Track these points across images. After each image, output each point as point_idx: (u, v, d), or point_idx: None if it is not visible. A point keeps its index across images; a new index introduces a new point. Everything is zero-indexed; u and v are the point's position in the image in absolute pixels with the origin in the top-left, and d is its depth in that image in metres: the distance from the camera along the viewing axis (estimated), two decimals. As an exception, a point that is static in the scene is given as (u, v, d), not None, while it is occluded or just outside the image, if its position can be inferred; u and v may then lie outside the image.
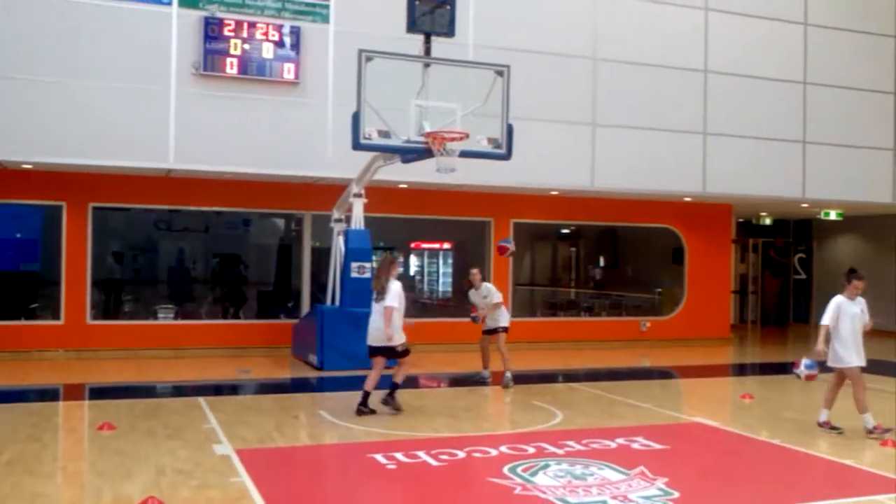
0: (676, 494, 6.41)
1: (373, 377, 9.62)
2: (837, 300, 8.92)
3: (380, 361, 9.72)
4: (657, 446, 8.09)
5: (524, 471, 7.01)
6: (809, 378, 9.14)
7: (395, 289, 9.53)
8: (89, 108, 12.46)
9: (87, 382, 11.86)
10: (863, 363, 8.84)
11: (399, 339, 9.68)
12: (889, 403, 11.46)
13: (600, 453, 7.71)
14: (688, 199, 17.34)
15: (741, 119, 16.38)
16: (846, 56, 17.31)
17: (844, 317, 8.80)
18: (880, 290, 21.12)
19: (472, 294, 12.31)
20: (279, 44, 13.31)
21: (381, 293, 9.51)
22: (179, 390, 11.58)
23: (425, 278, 22.37)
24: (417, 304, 21.05)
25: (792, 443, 8.45)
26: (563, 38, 15.14)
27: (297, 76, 13.39)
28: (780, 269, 23.70)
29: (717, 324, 18.46)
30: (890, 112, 17.69)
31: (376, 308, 9.57)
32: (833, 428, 8.85)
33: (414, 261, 22.96)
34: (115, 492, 6.31)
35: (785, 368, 15.40)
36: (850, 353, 8.78)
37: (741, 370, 15.59)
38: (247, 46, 13.14)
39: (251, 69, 13.18)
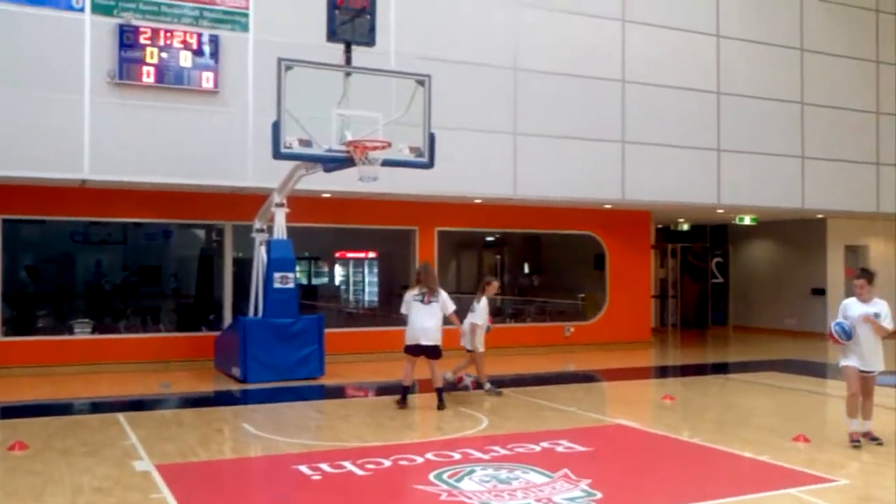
0: (599, 495, 6.51)
1: (410, 371, 10.85)
2: (844, 301, 8.62)
3: (419, 360, 10.73)
4: (581, 448, 8.21)
5: (450, 477, 7.03)
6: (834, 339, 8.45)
7: (444, 296, 10.76)
8: (0, 118, 12.05)
9: (-2, 401, 11.44)
10: (859, 366, 8.35)
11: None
12: (804, 400, 11.88)
13: (525, 457, 7.79)
14: (608, 206, 17.67)
15: (658, 128, 16.78)
16: (757, 67, 17.90)
17: (849, 318, 8.39)
18: (792, 292, 21.90)
19: (480, 306, 11.86)
20: (197, 52, 13.10)
21: (431, 295, 10.56)
22: (97, 407, 11.25)
23: (350, 288, 22.28)
24: (343, 314, 20.96)
25: (712, 441, 8.68)
26: (484, 49, 15.28)
27: (216, 85, 13.19)
28: (698, 273, 24.32)
29: (639, 328, 18.83)
30: (797, 120, 18.36)
31: (424, 309, 10.53)
32: (873, 439, 8.43)
33: (339, 270, 22.85)
34: (28, 513, 6.10)
35: (704, 370, 15.84)
36: (844, 354, 8.53)
37: (662, 372, 15.93)
38: (164, 55, 12.89)
39: (168, 78, 12.93)
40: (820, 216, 20.57)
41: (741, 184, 17.68)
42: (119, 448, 8.27)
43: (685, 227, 23.38)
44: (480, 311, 11.71)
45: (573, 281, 20.41)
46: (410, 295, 10.65)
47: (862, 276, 8.45)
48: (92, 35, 12.56)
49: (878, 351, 8.39)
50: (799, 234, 21.88)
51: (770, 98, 17.98)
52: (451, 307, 10.88)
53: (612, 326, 18.33)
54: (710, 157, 17.42)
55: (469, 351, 11.88)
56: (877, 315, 8.22)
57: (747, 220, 21.24)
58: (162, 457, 7.88)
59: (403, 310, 10.67)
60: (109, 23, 12.62)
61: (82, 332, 14.55)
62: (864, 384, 8.41)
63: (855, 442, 8.31)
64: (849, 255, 21.76)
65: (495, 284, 12.18)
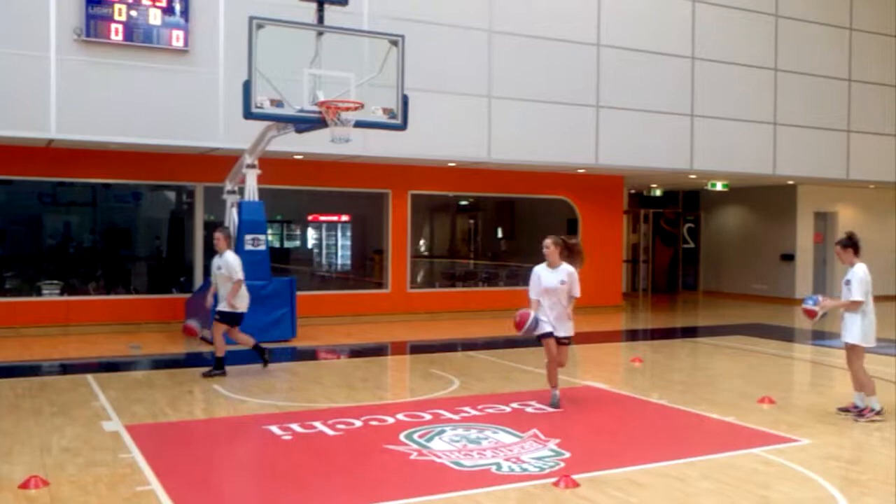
0: (567, 454, 6.58)
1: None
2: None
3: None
4: (550, 410, 8.29)
5: (420, 437, 7.08)
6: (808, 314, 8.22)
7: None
8: (-38, 75, 11.79)
9: (-35, 362, 11.32)
10: (847, 339, 8.12)
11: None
12: (771, 364, 12.05)
13: (495, 418, 7.85)
14: (581, 170, 17.69)
15: (632, 93, 16.77)
16: (732, 32, 17.90)
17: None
18: (762, 258, 22.13)
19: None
20: (167, 10, 12.85)
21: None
22: (66, 368, 11.18)
23: (324, 251, 22.20)
24: (316, 278, 20.91)
25: (679, 403, 8.79)
26: (458, 10, 15.14)
27: (186, 44, 12.98)
28: (670, 238, 24.48)
29: (610, 292, 18.97)
30: (770, 87, 18.41)
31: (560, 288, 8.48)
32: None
33: (312, 234, 22.74)
34: (-5, 472, 6.07)
35: (673, 333, 16.01)
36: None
37: (632, 336, 16.08)
38: (133, 13, 12.64)
39: (137, 36, 12.69)
40: (791, 182, 20.74)
41: (714, 150, 17.75)
42: (88, 409, 8.23)
43: (658, 192, 23.49)
44: None
45: (546, 245, 20.41)
46: (543, 274, 8.65)
47: (839, 243, 8.19)
48: (58, -10, 12.28)
49: (847, 322, 8.08)
50: (770, 200, 22.06)
51: (744, 64, 18.01)
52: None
53: (583, 290, 18.18)
54: (683, 122, 17.45)
55: None
56: (847, 282, 8.02)
57: (719, 186, 21.38)
58: (131, 417, 7.86)
59: (862, 296, 7.88)
60: (76, -22, 12.34)
61: (51, 294, 14.41)
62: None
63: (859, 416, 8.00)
64: (818, 221, 22.00)
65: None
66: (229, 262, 10.27)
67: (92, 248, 18.29)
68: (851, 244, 8.07)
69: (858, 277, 7.94)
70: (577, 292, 8.69)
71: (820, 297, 8.33)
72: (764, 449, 6.87)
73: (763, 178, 19.73)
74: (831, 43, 19.18)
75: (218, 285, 10.42)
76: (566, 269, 8.65)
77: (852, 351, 8.08)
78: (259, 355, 10.70)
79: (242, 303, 10.46)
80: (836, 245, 8.27)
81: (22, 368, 10.92)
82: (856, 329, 7.97)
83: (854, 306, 7.96)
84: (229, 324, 10.43)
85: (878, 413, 7.96)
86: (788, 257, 21.48)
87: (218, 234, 10.47)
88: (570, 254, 8.76)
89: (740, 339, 14.24)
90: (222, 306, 10.33)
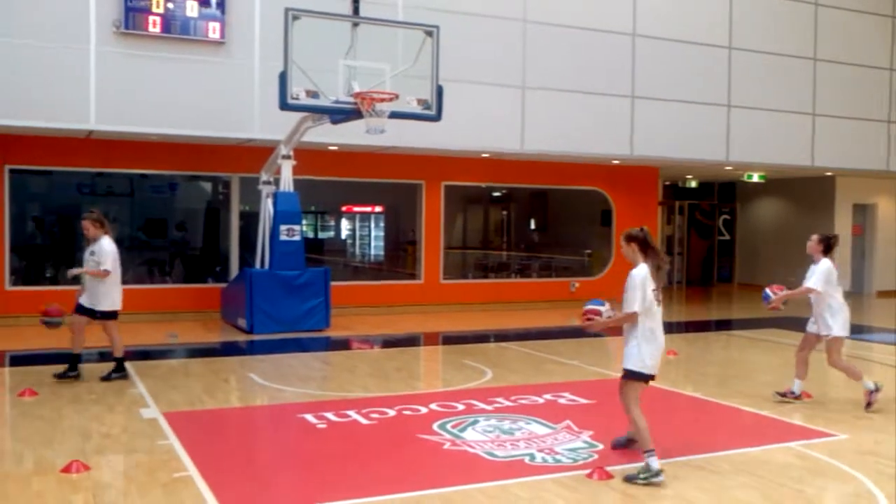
0: (601, 446, 6.58)
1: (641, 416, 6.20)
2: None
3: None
4: (583, 401, 8.28)
5: (454, 427, 7.11)
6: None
7: None
8: (4, 67, 11.97)
9: (6, 350, 11.54)
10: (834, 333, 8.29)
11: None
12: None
13: (528, 409, 7.86)
14: (616, 161, 17.58)
15: (668, 83, 16.62)
16: (769, 22, 17.67)
17: None
18: (798, 250, 21.85)
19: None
20: (204, 2, 12.96)
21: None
22: (105, 356, 11.33)
23: (357, 242, 22.31)
24: (349, 268, 21.04)
25: (714, 396, 8.74)
26: (493, 0, 15.09)
27: (222, 35, 13.08)
28: (705, 230, 24.26)
29: (644, 284, 18.82)
30: (809, 77, 18.15)
31: (660, 312, 6.16)
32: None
33: (345, 224, 22.86)
34: (37, 457, 6.20)
35: (708, 326, 15.89)
36: None
37: (667, 328, 15.80)
38: (170, 5, 12.77)
39: (175, 28, 12.82)
40: (829, 174, 20.44)
41: (750, 140, 17.55)
42: (127, 396, 8.37)
43: (693, 183, 23.29)
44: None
45: (579, 237, 20.40)
46: (645, 279, 6.02)
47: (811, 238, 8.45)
48: (97, -17, 12.44)
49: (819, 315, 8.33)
50: (807, 191, 21.77)
51: (782, 54, 17.76)
52: None
53: (617, 282, 18.15)
54: (720, 112, 17.27)
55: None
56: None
57: (756, 178, 21.12)
58: (169, 405, 7.98)
59: (641, 307, 5.99)
60: (114, -29, 12.49)
61: (90, 283, 14.61)
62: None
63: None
64: (857, 213, 21.67)
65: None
66: (104, 249, 9.18)
67: (129, 238, 18.54)
68: (825, 241, 8.33)
69: (822, 270, 8.18)
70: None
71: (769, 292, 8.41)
72: (800, 443, 6.81)
73: (801, 170, 19.47)
74: (872, 31, 18.85)
75: (88, 277, 9.33)
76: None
77: (834, 343, 8.29)
78: (72, 366, 9.34)
79: (115, 298, 9.43)
80: (811, 239, 8.45)
81: (62, 356, 11.09)
82: (838, 323, 8.22)
83: (808, 292, 8.21)
84: (96, 318, 9.35)
85: (878, 390, 8.12)
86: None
87: (85, 222, 9.29)
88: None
89: (776, 332, 14.09)
90: (105, 305, 9.31)
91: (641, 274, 5.98)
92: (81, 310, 9.38)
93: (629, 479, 5.75)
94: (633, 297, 5.96)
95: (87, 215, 9.40)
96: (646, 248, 6.05)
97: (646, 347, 5.99)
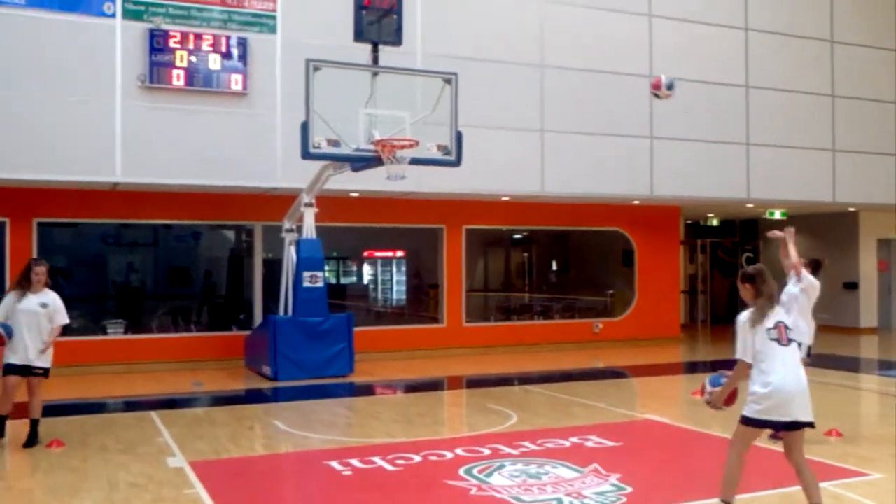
0: (629, 489, 6.52)
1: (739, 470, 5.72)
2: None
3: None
4: (610, 444, 8.21)
5: (480, 472, 7.07)
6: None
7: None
8: (33, 122, 12.24)
9: (35, 401, 11.61)
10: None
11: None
12: (837, 395, 11.77)
13: (554, 452, 7.80)
14: (636, 202, 17.61)
15: (687, 122, 16.68)
16: (785, 60, 17.74)
17: None
18: (823, 287, 21.62)
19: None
20: (226, 55, 13.23)
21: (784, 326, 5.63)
22: (131, 405, 11.42)
23: (379, 287, 22.37)
24: (371, 313, 21.08)
25: (741, 436, 8.62)
26: (510, 46, 15.29)
27: (244, 87, 13.32)
28: (728, 268, 24.13)
29: (668, 323, 18.75)
30: (828, 114, 18.16)
31: (786, 353, 5.57)
32: None
33: (367, 270, 22.95)
34: (66, 508, 6.23)
35: (734, 365, 15.71)
36: None
37: (692, 368, 15.84)
38: (193, 58, 13.04)
39: (198, 81, 13.07)
40: (851, 209, 20.34)
41: (771, 177, 17.53)
42: (153, 445, 8.40)
43: (715, 221, 23.23)
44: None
45: (602, 277, 20.36)
46: (750, 320, 5.62)
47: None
48: (123, 40, 12.74)
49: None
50: (830, 227, 21.64)
51: (799, 91, 17.81)
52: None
53: (641, 322, 18.27)
54: (739, 151, 17.30)
55: None
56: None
57: (777, 215, 21.04)
58: (195, 454, 7.99)
59: (743, 354, 5.62)
60: (140, 27, 12.80)
61: (115, 333, 14.77)
62: None
63: None
64: (881, 248, 21.50)
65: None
66: (58, 301, 8.60)
67: (154, 287, 18.73)
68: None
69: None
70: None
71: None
72: (832, 483, 6.70)
73: (823, 206, 19.39)
74: (889, 67, 18.87)
75: (27, 327, 8.38)
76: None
77: None
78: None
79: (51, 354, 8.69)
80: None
81: (89, 406, 11.19)
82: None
83: None
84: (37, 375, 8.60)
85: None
86: (852, 286, 20.99)
87: (44, 268, 8.57)
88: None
89: (810, 369, 13.91)
90: (44, 361, 8.58)
91: (742, 318, 5.63)
92: (15, 369, 8.45)
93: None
94: (738, 344, 5.64)
95: (42, 261, 8.71)
96: (758, 288, 5.70)
97: (762, 391, 5.46)
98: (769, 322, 5.53)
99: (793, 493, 6.30)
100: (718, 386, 5.82)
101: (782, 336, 5.53)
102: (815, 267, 8.55)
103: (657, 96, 10.39)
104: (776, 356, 5.49)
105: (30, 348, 8.43)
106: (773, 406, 5.42)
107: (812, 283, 8.36)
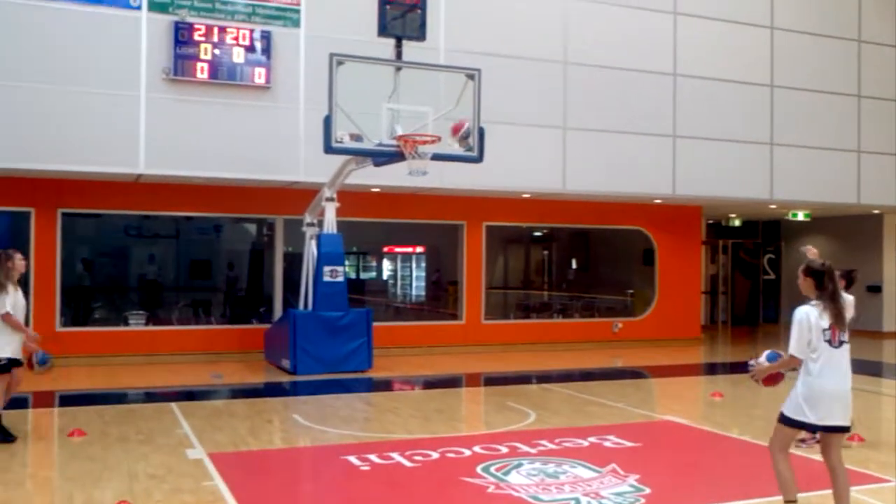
0: (648, 490, 6.48)
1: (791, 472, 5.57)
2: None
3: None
4: (629, 444, 8.17)
5: (497, 470, 7.05)
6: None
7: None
8: (58, 114, 12.35)
9: (56, 390, 11.73)
10: None
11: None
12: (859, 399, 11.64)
13: (573, 452, 7.77)
14: (658, 201, 17.51)
15: (710, 122, 16.58)
16: (811, 59, 17.58)
17: None
18: (847, 291, 21.43)
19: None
20: (250, 48, 13.27)
21: (840, 325, 5.45)
22: (151, 396, 11.50)
23: (398, 282, 22.40)
24: (390, 309, 21.11)
25: (762, 439, 8.55)
26: (534, 42, 15.24)
27: (268, 80, 13.36)
28: (749, 269, 23.97)
29: (688, 324, 18.64)
30: (854, 114, 17.98)
31: (837, 354, 5.42)
32: None
33: (387, 265, 22.99)
34: (86, 497, 6.27)
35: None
36: None
37: (712, 369, 15.75)
38: (217, 51, 13.09)
39: (222, 74, 13.13)
40: (876, 211, 20.13)
41: (795, 178, 17.38)
42: (173, 436, 8.44)
43: (737, 222, 23.06)
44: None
45: (622, 276, 20.28)
46: (814, 318, 5.42)
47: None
48: (148, 32, 12.82)
49: None
50: (854, 229, 21.43)
51: (825, 91, 17.64)
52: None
53: (661, 323, 18.17)
54: (763, 151, 17.16)
55: None
56: None
57: (801, 216, 20.86)
58: (214, 446, 8.03)
59: (798, 350, 5.39)
60: (165, 20, 12.87)
61: (137, 324, 14.89)
62: None
63: None
64: (907, 251, 21.27)
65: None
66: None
67: (175, 279, 18.85)
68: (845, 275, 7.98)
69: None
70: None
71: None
72: (855, 489, 6.61)
73: (847, 208, 19.21)
74: (918, 68, 18.67)
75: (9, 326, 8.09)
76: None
77: None
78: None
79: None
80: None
81: (109, 396, 11.28)
82: None
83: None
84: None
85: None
86: (875, 289, 20.79)
87: (24, 262, 8.36)
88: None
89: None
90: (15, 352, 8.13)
91: (802, 313, 5.43)
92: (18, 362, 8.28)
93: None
94: (792, 339, 5.43)
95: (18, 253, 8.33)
96: (822, 285, 5.46)
97: (803, 391, 5.36)
98: (825, 322, 5.38)
99: (810, 498, 6.25)
100: (772, 361, 5.69)
101: (834, 337, 5.39)
102: (848, 281, 8.14)
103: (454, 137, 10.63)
104: (825, 357, 5.37)
105: (15, 341, 8.18)
106: (810, 408, 5.35)
107: (847, 301, 8.00)
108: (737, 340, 20.38)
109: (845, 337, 5.42)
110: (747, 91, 16.96)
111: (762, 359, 5.67)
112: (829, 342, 5.37)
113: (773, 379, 5.74)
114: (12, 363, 8.13)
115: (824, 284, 5.44)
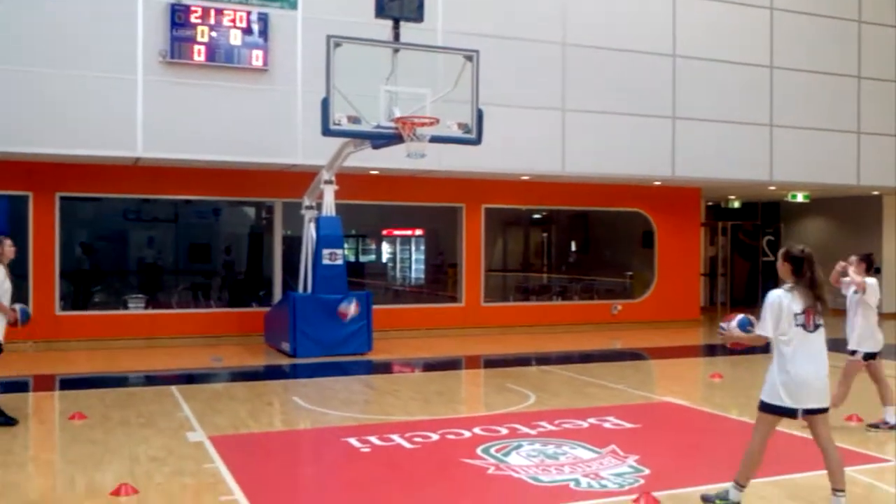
0: (647, 471, 6.50)
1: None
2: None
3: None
4: (628, 425, 8.20)
5: (497, 451, 7.07)
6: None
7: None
8: (55, 97, 12.30)
9: (57, 373, 11.76)
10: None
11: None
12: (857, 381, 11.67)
13: (572, 433, 7.80)
14: (657, 182, 17.49)
15: (709, 103, 16.53)
16: (811, 40, 17.50)
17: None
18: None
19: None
20: (247, 31, 13.20)
21: (816, 310, 5.46)
22: (152, 379, 11.53)
23: (397, 265, 22.39)
24: (390, 292, 21.11)
25: (760, 420, 8.58)
26: (532, 24, 15.16)
27: (265, 63, 13.30)
28: (748, 251, 23.96)
29: (688, 306, 18.66)
30: (853, 95, 17.92)
31: (812, 339, 5.44)
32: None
33: (386, 248, 22.97)
34: (88, 479, 6.29)
35: (754, 349, 15.64)
36: None
37: (711, 351, 15.75)
38: (214, 34, 13.03)
39: (219, 56, 13.07)
40: (876, 193, 20.11)
41: (794, 160, 17.35)
42: (173, 419, 8.47)
43: (736, 204, 23.03)
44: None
45: (621, 258, 20.28)
46: (786, 302, 5.44)
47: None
48: (144, 15, 12.75)
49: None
50: (854, 211, 21.42)
51: (824, 72, 17.57)
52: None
53: (660, 304, 18.19)
54: (762, 132, 17.12)
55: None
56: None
57: (800, 198, 20.85)
58: (214, 428, 8.05)
59: (764, 329, 5.45)
60: (161, 2, 12.80)
61: (136, 308, 14.89)
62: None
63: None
64: (906, 232, 21.26)
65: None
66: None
67: (174, 263, 18.85)
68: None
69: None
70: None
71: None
72: (851, 469, 6.64)
73: (846, 189, 19.19)
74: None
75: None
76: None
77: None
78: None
79: None
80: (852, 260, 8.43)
81: (110, 380, 11.30)
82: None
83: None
84: None
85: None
86: (875, 270, 20.75)
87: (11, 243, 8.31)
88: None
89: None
90: None
91: (773, 297, 5.44)
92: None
93: (705, 500, 5.66)
94: (762, 319, 5.44)
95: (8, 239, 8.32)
96: (799, 271, 5.46)
97: (779, 377, 5.40)
98: (797, 306, 5.38)
99: (797, 479, 6.27)
100: (742, 329, 5.58)
101: (808, 322, 5.38)
102: (868, 264, 8.32)
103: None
104: (798, 341, 5.38)
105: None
106: (787, 393, 5.38)
107: (871, 284, 8.21)
108: (736, 322, 20.38)
109: (821, 321, 5.43)
110: (747, 72, 16.90)
111: (734, 324, 5.62)
112: (804, 326, 5.39)
113: (740, 344, 5.77)
114: None
115: (802, 271, 5.45)
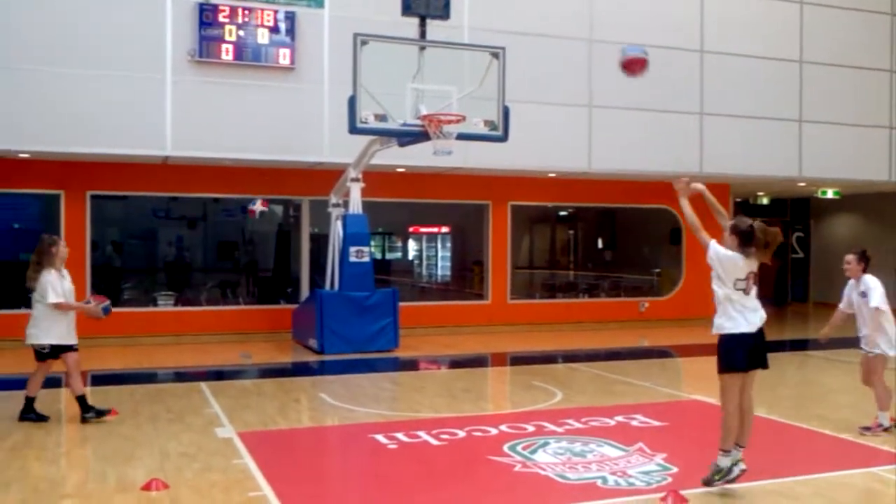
0: (675, 469, 6.48)
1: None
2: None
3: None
4: (656, 423, 8.17)
5: (524, 449, 7.08)
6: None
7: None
8: (86, 97, 12.45)
9: (87, 369, 11.85)
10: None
11: None
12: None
13: (599, 431, 7.78)
14: (685, 179, 17.33)
15: (738, 99, 16.38)
16: (842, 34, 17.28)
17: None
18: (876, 268, 21.18)
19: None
20: (274, 29, 13.28)
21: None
22: (181, 376, 11.64)
23: (424, 262, 22.43)
24: (416, 289, 21.16)
25: (790, 418, 8.53)
26: (558, 20, 15.11)
27: (292, 61, 13.37)
28: (778, 248, 23.69)
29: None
30: (886, 90, 17.68)
31: (748, 299, 6.22)
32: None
33: (412, 245, 23.01)
34: (119, 474, 6.38)
35: (782, 346, 15.50)
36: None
37: (739, 349, 15.63)
38: (242, 32, 13.12)
39: (247, 55, 13.16)
40: (907, 189, 19.84)
41: (824, 155, 17.14)
42: (202, 415, 8.55)
43: (765, 200, 22.81)
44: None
45: (648, 256, 20.16)
46: (738, 260, 6.14)
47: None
48: (173, 14, 12.86)
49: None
50: (885, 207, 21.13)
51: (855, 66, 17.34)
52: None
53: (688, 302, 18.05)
54: (791, 127, 16.94)
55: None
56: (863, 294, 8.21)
57: (830, 194, 20.60)
58: (243, 425, 8.12)
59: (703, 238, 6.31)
60: (190, 2, 12.90)
61: (166, 305, 15.04)
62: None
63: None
64: (938, 229, 20.96)
65: None
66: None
67: (203, 261, 19.01)
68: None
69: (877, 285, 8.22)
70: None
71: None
72: (883, 468, 6.59)
73: (877, 185, 18.93)
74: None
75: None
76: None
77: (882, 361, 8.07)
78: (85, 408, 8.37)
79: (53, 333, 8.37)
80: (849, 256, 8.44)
81: (140, 376, 11.44)
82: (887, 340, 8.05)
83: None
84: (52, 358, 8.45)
85: (887, 430, 7.78)
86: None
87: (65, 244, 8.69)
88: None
89: (853, 352, 13.63)
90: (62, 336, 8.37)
91: (721, 249, 6.23)
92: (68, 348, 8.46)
93: (706, 483, 5.89)
94: (705, 238, 6.39)
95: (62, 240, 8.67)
96: (745, 242, 6.14)
97: (724, 340, 6.10)
98: (741, 272, 6.09)
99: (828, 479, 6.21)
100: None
101: (748, 288, 6.12)
102: (865, 261, 8.37)
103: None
104: (741, 303, 6.13)
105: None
106: (734, 351, 6.02)
107: (869, 284, 8.16)
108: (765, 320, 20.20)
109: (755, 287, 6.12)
110: (776, 67, 16.72)
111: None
112: (744, 291, 6.10)
113: (631, 66, 6.58)
114: (59, 349, 8.34)
115: (750, 242, 6.10)
